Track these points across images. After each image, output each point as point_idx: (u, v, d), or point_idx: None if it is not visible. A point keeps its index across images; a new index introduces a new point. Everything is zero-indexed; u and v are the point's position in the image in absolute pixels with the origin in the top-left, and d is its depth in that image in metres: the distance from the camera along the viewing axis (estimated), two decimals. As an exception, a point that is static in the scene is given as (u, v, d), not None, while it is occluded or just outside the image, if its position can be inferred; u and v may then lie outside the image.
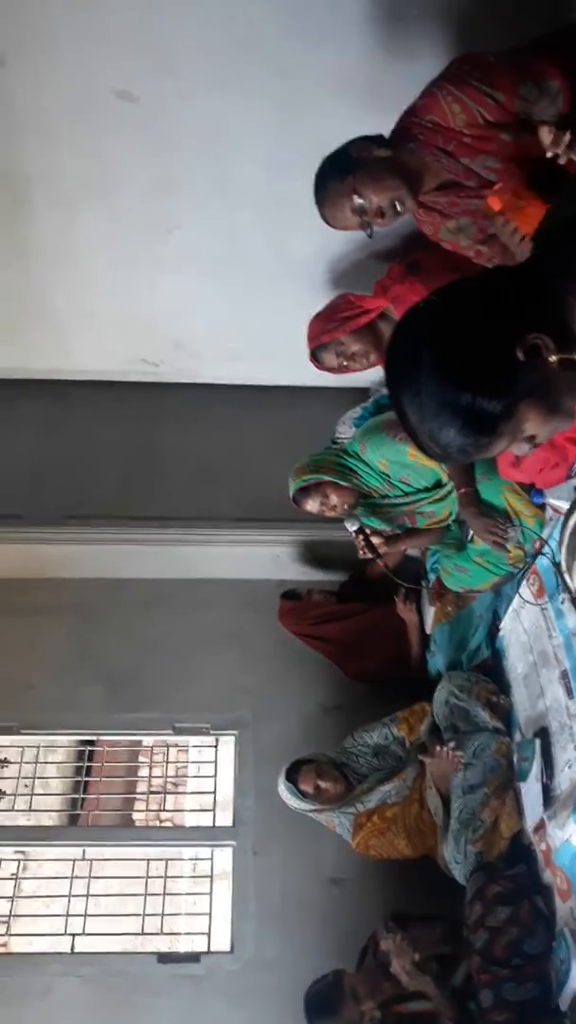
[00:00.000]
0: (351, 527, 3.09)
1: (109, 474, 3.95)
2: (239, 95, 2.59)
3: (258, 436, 3.95)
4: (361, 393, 3.58)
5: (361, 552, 3.10)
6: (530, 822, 2.69)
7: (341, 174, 2.02)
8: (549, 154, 1.74)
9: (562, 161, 1.75)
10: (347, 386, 3.61)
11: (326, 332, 2.78)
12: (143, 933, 3.40)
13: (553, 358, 1.05)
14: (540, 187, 1.91)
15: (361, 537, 3.06)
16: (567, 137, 1.70)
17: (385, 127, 2.08)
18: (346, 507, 3.01)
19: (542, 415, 1.11)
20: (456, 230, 2.16)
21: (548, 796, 2.61)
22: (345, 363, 2.84)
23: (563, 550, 1.41)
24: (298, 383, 3.78)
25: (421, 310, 1.14)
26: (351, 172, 2.00)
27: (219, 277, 3.27)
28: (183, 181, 2.88)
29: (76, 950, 3.28)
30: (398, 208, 2.01)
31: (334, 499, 3.00)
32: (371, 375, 3.22)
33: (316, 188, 2.10)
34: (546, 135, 1.73)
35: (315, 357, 2.90)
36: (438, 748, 2.86)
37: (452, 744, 2.87)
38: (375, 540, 3.09)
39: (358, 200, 2.00)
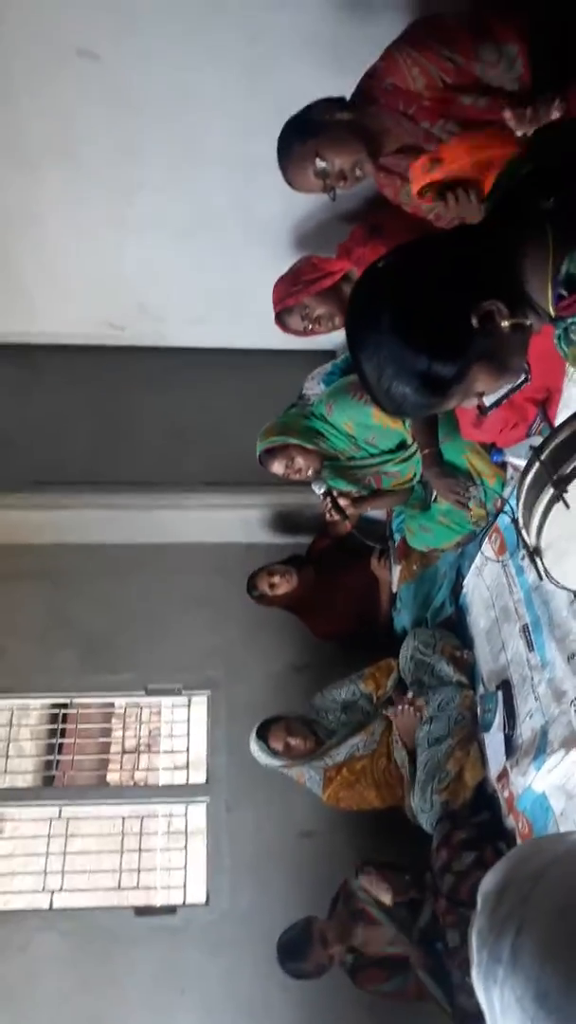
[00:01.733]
0: (318, 490, 3.13)
1: (78, 439, 3.95)
2: (203, 54, 2.56)
3: (226, 399, 3.97)
4: (328, 356, 3.59)
5: (328, 515, 3.15)
6: (493, 771, 2.79)
7: (303, 137, 2.03)
8: (519, 133, 1.76)
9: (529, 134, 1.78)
10: (314, 349, 3.63)
11: (290, 295, 2.79)
12: (120, 888, 3.47)
13: (505, 323, 1.09)
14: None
15: (328, 500, 3.11)
16: (528, 113, 1.72)
17: (348, 88, 2.08)
18: (311, 470, 3.05)
19: (492, 375, 1.16)
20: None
21: (511, 745, 2.71)
22: (310, 326, 2.85)
23: (520, 507, 1.46)
24: (265, 346, 3.78)
25: (380, 271, 1.17)
26: (313, 135, 2.02)
27: (184, 239, 3.26)
28: (147, 142, 2.85)
29: (55, 906, 3.36)
30: (359, 172, 2.03)
31: (300, 462, 3.03)
32: (337, 337, 3.23)
33: (279, 151, 2.11)
34: (510, 120, 1.75)
35: (280, 320, 2.91)
36: (402, 700, 2.96)
37: (410, 694, 2.97)
38: (342, 502, 3.14)
39: (320, 163, 2.02)
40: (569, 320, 1.02)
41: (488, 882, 0.84)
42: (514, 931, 0.75)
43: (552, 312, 1.05)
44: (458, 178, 1.92)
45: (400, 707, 2.99)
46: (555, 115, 1.72)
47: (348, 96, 2.07)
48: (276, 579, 3.61)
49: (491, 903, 0.81)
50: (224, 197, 3.06)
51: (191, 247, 3.30)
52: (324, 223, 3.10)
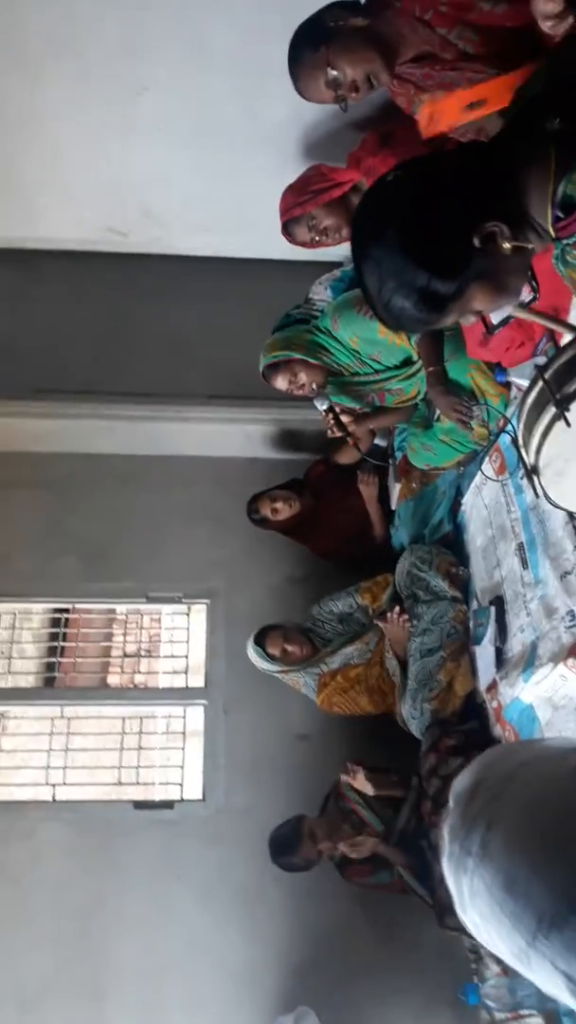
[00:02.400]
0: (321, 406, 3.13)
1: (79, 347, 3.93)
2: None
3: (230, 311, 3.93)
4: (335, 267, 3.54)
5: (330, 431, 3.16)
6: (483, 682, 2.89)
7: (315, 45, 1.96)
8: (543, 23, 1.69)
9: (549, 31, 1.71)
10: (321, 260, 3.57)
11: (298, 205, 2.73)
12: (120, 784, 3.63)
13: (507, 245, 1.10)
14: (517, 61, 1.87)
15: (331, 416, 3.11)
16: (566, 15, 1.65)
17: (363, -8, 2.01)
18: (315, 386, 3.04)
19: (490, 295, 1.18)
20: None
21: (501, 659, 2.80)
22: (317, 237, 2.80)
23: (520, 426, 1.48)
24: (271, 256, 3.71)
25: (388, 185, 1.17)
26: (325, 43, 1.94)
27: (190, 144, 3.18)
28: (155, 41, 2.76)
29: (57, 799, 3.51)
30: (373, 82, 1.97)
31: (303, 377, 3.02)
32: (344, 249, 3.17)
33: (290, 59, 2.03)
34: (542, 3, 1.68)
35: (287, 230, 2.86)
36: (391, 614, 3.05)
37: (397, 610, 3.06)
38: (344, 419, 3.15)
39: (332, 72, 1.95)
40: (566, 241, 1.03)
41: (461, 782, 0.90)
42: (485, 826, 0.82)
43: (552, 233, 1.06)
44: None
45: (391, 615, 3.08)
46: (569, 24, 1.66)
47: (363, 1, 2.00)
48: (279, 504, 3.63)
49: (463, 801, 0.87)
50: (232, 101, 2.98)
51: (197, 153, 3.23)
52: (334, 131, 3.02)
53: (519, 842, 0.79)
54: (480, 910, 0.82)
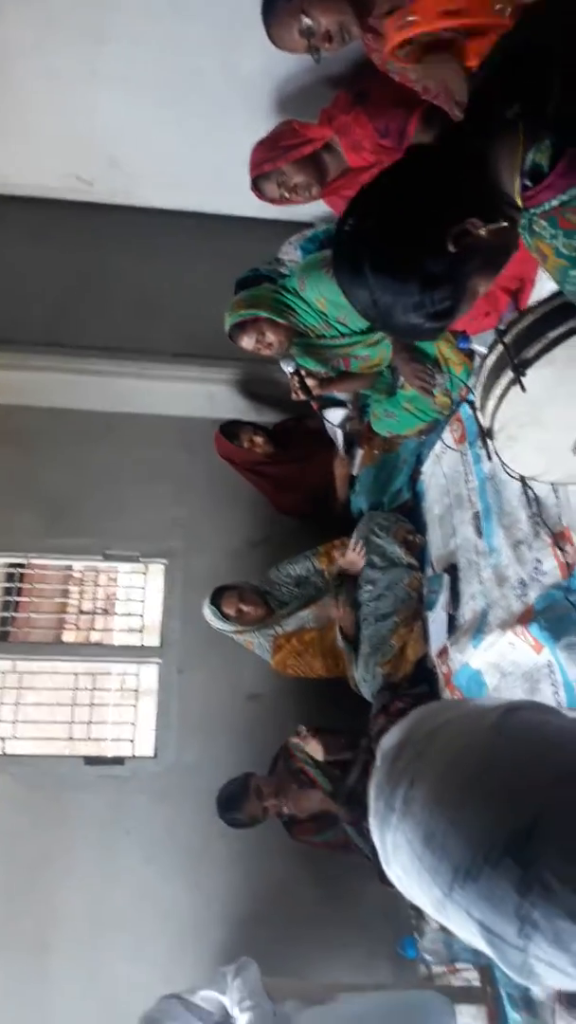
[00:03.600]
0: (287, 368, 3.11)
1: (41, 298, 3.86)
2: None
3: (198, 268, 3.87)
4: (306, 227, 3.50)
5: (295, 394, 3.15)
6: (435, 648, 2.93)
7: None
8: None
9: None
10: (292, 219, 3.53)
11: (268, 161, 2.68)
12: (71, 739, 3.63)
13: (483, 231, 1.09)
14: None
15: (296, 378, 3.10)
16: None
17: None
18: (282, 344, 3.02)
19: (489, 278, 1.18)
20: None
21: (452, 625, 2.84)
22: (287, 194, 2.76)
23: (479, 388, 1.49)
24: (241, 213, 3.67)
25: (352, 227, 1.16)
26: None
27: (160, 94, 3.11)
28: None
29: (6, 752, 3.50)
30: (345, 34, 1.94)
31: (270, 336, 3.00)
32: (316, 208, 3.15)
33: (264, 6, 2.01)
34: None
35: (256, 186, 2.81)
36: (351, 547, 3.18)
37: (359, 545, 3.18)
38: (309, 382, 3.14)
39: (306, 21, 1.93)
40: (532, 211, 1.02)
41: (388, 740, 0.92)
42: (408, 783, 0.84)
43: (520, 202, 1.05)
44: (438, 41, 1.84)
45: (351, 551, 3.18)
46: None
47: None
48: (259, 439, 3.64)
49: (389, 759, 0.89)
50: (205, 52, 2.91)
51: (167, 103, 3.16)
52: (308, 86, 2.96)
53: (438, 797, 0.81)
54: (403, 864, 0.84)
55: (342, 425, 3.43)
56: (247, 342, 3.04)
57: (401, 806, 0.83)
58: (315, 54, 2.00)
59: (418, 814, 0.81)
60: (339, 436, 3.48)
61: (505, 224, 1.11)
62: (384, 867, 0.89)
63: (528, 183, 1.01)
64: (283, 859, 3.21)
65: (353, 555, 3.19)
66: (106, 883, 3.24)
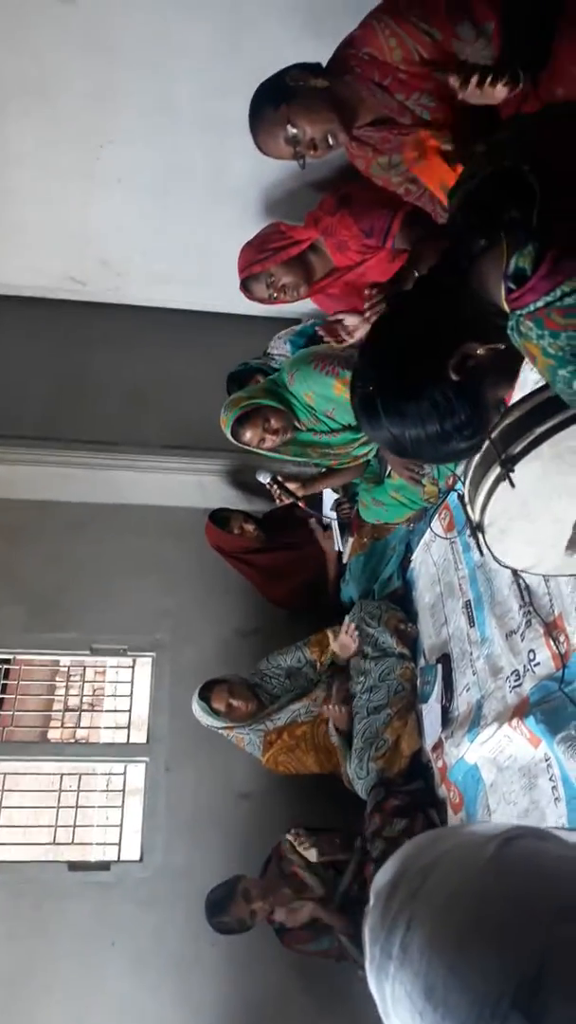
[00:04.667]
0: (263, 479, 3.14)
1: (35, 394, 3.91)
2: (182, 9, 2.53)
3: (188, 363, 3.95)
4: (293, 323, 3.59)
5: (278, 500, 3.18)
6: (429, 741, 2.86)
7: (276, 102, 2.01)
8: (459, 96, 1.77)
9: (473, 101, 1.79)
10: (279, 316, 3.62)
11: (256, 262, 2.76)
12: (55, 843, 3.50)
13: (481, 351, 1.11)
14: (476, 129, 1.94)
15: (275, 486, 3.13)
16: (473, 80, 1.73)
17: (325, 54, 2.05)
18: (285, 431, 3.00)
19: (509, 385, 1.21)
20: (387, 166, 2.17)
21: (447, 717, 2.78)
22: (275, 295, 2.82)
23: (467, 483, 1.50)
24: (229, 310, 3.76)
25: (362, 379, 1.20)
26: (286, 101, 1.99)
27: (152, 196, 3.22)
28: (120, 92, 2.81)
29: (-11, 858, 3.37)
30: (331, 141, 2.02)
31: (275, 423, 2.96)
32: (302, 306, 3.23)
33: (251, 115, 2.08)
34: (453, 83, 1.76)
35: (245, 287, 2.88)
36: (344, 631, 3.15)
37: (351, 626, 3.14)
38: (290, 486, 3.18)
39: (292, 130, 2.00)
40: (517, 313, 1.04)
41: (380, 877, 0.85)
42: (404, 927, 0.77)
43: (505, 306, 1.07)
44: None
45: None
46: (501, 94, 1.73)
47: (324, 63, 2.06)
48: (250, 527, 3.64)
49: (383, 898, 0.82)
50: (195, 156, 3.03)
51: (158, 205, 3.27)
52: (294, 190, 3.09)
53: (436, 943, 0.74)
54: (404, 1020, 0.77)
55: (332, 510, 3.44)
56: (251, 434, 2.98)
57: (398, 953, 0.77)
58: (301, 161, 2.07)
59: (416, 963, 0.75)
60: (335, 524, 3.50)
61: (502, 346, 1.13)
62: (384, 1020, 0.82)
63: (512, 286, 1.03)
64: (275, 969, 3.06)
65: (346, 638, 3.15)
66: (89, 998, 3.09)
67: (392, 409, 1.15)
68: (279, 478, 3.13)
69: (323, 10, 2.45)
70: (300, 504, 3.27)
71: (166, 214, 3.31)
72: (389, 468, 3.08)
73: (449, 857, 0.81)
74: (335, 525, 3.54)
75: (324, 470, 3.32)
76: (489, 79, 1.72)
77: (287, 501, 3.15)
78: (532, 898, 0.73)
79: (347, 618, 3.24)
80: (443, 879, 0.79)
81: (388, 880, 0.83)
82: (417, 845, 0.86)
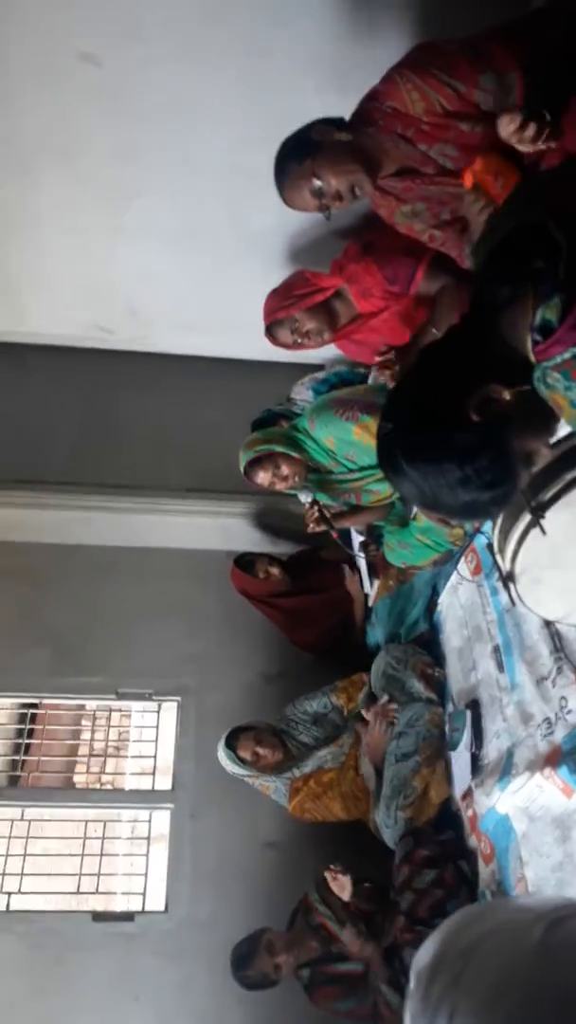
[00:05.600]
0: (305, 499, 3.15)
1: (61, 440, 3.95)
2: (205, 65, 2.59)
3: (212, 408, 3.98)
4: (316, 369, 3.62)
5: (313, 524, 3.17)
6: (459, 789, 2.80)
7: (300, 157, 2.05)
8: (515, 144, 1.78)
9: (522, 148, 1.79)
10: (303, 362, 3.65)
11: (282, 308, 2.80)
12: (79, 892, 3.45)
13: (507, 395, 1.08)
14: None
15: (315, 509, 3.13)
16: (530, 129, 1.74)
17: (348, 108, 2.10)
18: (296, 479, 3.06)
19: (539, 433, 1.16)
20: (411, 214, 2.20)
21: (476, 765, 2.72)
22: (299, 340, 2.86)
23: (495, 531, 1.48)
24: (253, 357, 3.80)
25: (385, 428, 1.18)
26: (311, 155, 2.03)
27: (178, 247, 3.27)
28: (145, 149, 2.87)
29: (11, 908, 3.32)
30: (356, 192, 2.05)
31: (285, 470, 3.03)
32: (326, 352, 3.26)
33: (276, 170, 2.12)
34: (506, 123, 1.76)
35: (270, 333, 2.92)
36: (374, 709, 3.03)
37: (384, 698, 3.01)
38: (327, 512, 3.17)
39: (317, 183, 2.03)
40: (544, 364, 1.03)
41: (421, 958, 0.81)
42: (447, 1015, 0.74)
43: (532, 357, 1.07)
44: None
45: (371, 719, 3.01)
46: (542, 146, 1.74)
47: (347, 117, 2.09)
48: (275, 570, 3.63)
49: (424, 982, 0.78)
50: (219, 208, 3.08)
51: (184, 255, 3.32)
52: (318, 238, 3.13)
53: None
54: None
55: (359, 551, 3.44)
56: (263, 477, 3.07)
57: None
58: (326, 212, 2.10)
59: None
60: (362, 564, 3.49)
61: (529, 387, 1.09)
62: None
63: (539, 337, 1.02)
64: (305, 1026, 2.98)
65: (375, 733, 3.05)
66: (112, 1056, 3.01)
67: (410, 449, 1.12)
68: (319, 502, 3.13)
69: (342, 65, 2.50)
70: (333, 534, 3.26)
71: (192, 265, 3.36)
72: (414, 510, 3.07)
73: (492, 939, 0.76)
74: (362, 565, 3.54)
75: (349, 507, 3.32)
76: (546, 132, 1.73)
77: (320, 528, 3.14)
78: None
79: (372, 675, 3.24)
80: (485, 964, 0.74)
81: (427, 963, 0.79)
82: (456, 923, 0.81)
